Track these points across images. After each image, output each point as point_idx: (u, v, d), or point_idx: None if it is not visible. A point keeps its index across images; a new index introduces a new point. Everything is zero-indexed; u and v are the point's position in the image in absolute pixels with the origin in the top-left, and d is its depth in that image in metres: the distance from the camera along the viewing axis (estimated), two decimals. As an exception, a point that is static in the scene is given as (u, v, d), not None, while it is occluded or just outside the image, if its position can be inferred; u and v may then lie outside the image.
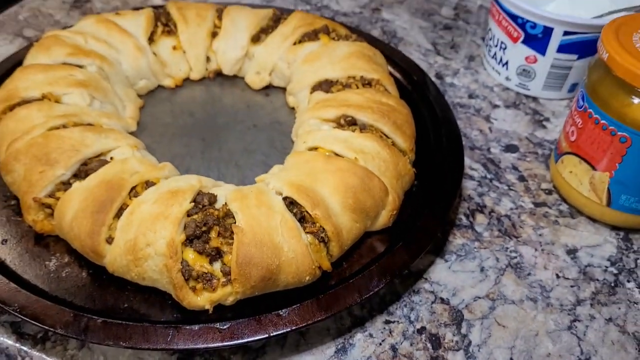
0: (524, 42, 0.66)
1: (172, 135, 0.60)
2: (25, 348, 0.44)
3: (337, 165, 0.48)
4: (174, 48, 0.65)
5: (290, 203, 0.46)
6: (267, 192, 0.46)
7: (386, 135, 0.53)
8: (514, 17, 0.66)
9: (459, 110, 0.68)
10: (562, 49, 0.64)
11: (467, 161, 0.61)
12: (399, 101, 0.56)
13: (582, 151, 0.53)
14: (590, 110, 0.51)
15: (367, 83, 0.58)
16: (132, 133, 0.58)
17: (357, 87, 0.57)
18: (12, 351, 0.44)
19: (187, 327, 0.41)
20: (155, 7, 0.68)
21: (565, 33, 0.63)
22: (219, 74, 0.67)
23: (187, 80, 0.67)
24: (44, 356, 0.44)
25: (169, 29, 0.65)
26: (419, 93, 0.63)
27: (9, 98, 0.54)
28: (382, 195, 0.48)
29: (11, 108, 0.53)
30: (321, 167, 0.48)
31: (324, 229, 0.45)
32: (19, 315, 0.41)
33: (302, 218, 0.45)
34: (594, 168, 0.52)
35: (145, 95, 0.65)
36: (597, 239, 0.54)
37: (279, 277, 0.43)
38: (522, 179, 0.60)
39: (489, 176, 0.60)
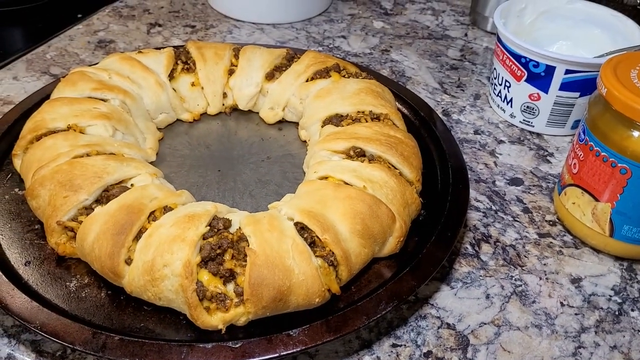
0: (527, 80, 0.69)
1: (189, 166, 0.62)
2: (43, 366, 0.46)
3: (346, 192, 0.50)
4: (193, 84, 0.68)
5: (301, 228, 0.48)
6: (279, 218, 0.48)
7: (394, 166, 0.55)
8: (517, 57, 0.69)
9: (465, 145, 0.70)
10: (564, 86, 0.67)
11: (473, 193, 0.63)
12: (406, 134, 0.59)
13: (585, 183, 0.55)
14: (591, 143, 0.53)
15: (375, 117, 0.61)
16: (151, 163, 0.60)
17: (366, 121, 0.60)
18: (31, 369, 0.46)
19: (201, 346, 0.43)
20: (175, 47, 0.72)
21: (567, 72, 0.66)
22: (234, 109, 0.70)
23: (204, 114, 0.70)
24: (61, 374, 0.45)
25: (188, 66, 0.69)
26: (426, 128, 0.66)
27: (36, 128, 0.57)
28: (389, 222, 0.50)
29: (38, 138, 0.56)
30: (331, 194, 0.50)
31: (333, 253, 0.46)
32: (40, 332, 0.43)
33: (313, 242, 0.47)
34: (596, 199, 0.54)
35: (164, 129, 0.68)
36: (601, 269, 0.55)
37: (290, 299, 0.44)
38: (526, 210, 0.62)
39: (494, 208, 0.62)
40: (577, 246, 0.58)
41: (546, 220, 0.60)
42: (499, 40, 0.71)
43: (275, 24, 0.95)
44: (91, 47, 0.87)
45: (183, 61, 0.69)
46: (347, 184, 0.52)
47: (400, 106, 0.69)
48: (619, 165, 0.51)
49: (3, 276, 0.47)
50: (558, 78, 0.67)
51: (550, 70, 0.66)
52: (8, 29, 0.95)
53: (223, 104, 0.70)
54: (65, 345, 0.43)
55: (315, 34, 0.93)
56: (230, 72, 0.69)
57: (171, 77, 0.68)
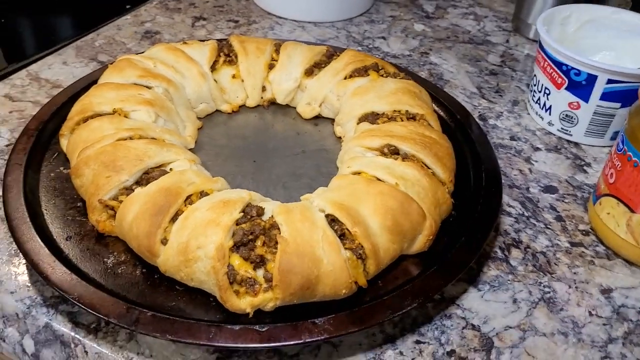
0: (567, 88, 0.68)
1: (226, 155, 0.64)
2: (79, 336, 0.48)
3: (378, 188, 0.51)
4: (234, 77, 0.70)
5: (332, 220, 0.48)
6: (311, 209, 0.49)
7: (427, 166, 0.55)
8: (558, 64, 0.68)
9: (500, 151, 0.70)
10: (605, 96, 0.66)
11: (506, 198, 0.63)
12: (441, 135, 0.59)
13: (621, 193, 0.54)
14: (630, 153, 0.53)
15: (411, 117, 0.61)
16: (190, 150, 0.62)
17: (402, 120, 0.60)
18: (67, 338, 0.48)
19: (229, 327, 0.44)
20: (219, 40, 0.74)
21: (609, 81, 0.65)
22: (272, 102, 0.72)
23: (243, 106, 0.71)
24: (94, 345, 0.47)
25: (230, 59, 0.71)
26: (462, 131, 0.66)
27: (83, 111, 0.59)
28: (419, 220, 0.50)
29: (85, 120, 0.59)
30: (363, 189, 0.51)
31: (362, 246, 0.47)
32: (78, 304, 0.45)
33: (342, 235, 0.48)
34: (632, 210, 0.53)
35: (203, 118, 0.69)
36: (633, 281, 0.55)
37: (317, 288, 0.45)
38: (559, 219, 0.61)
39: (526, 214, 0.61)
40: (609, 257, 0.57)
41: (579, 230, 0.60)
42: (541, 46, 0.71)
43: (317, 22, 0.96)
44: (138, 37, 0.89)
45: (225, 54, 0.71)
46: (379, 180, 0.53)
47: (436, 108, 0.69)
48: (657, 176, 0.50)
49: (45, 249, 0.49)
50: (599, 87, 0.66)
51: (591, 79, 0.66)
52: (60, 17, 0.99)
53: (262, 97, 0.71)
54: (101, 318, 0.45)
55: (355, 34, 0.94)
56: (271, 67, 0.71)
57: (213, 68, 0.69)
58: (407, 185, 0.52)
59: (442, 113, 0.69)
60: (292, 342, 0.43)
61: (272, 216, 0.49)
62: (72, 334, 0.48)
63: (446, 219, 0.56)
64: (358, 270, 0.47)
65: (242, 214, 0.48)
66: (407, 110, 0.62)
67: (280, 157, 0.64)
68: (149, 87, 0.63)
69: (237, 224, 0.47)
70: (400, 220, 0.49)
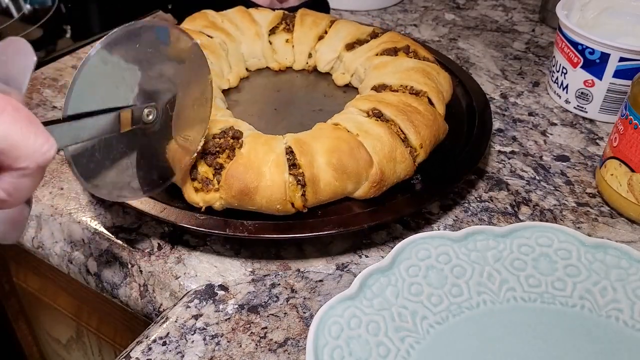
0: (582, 67, 0.73)
1: (255, 100, 0.75)
2: (134, 258, 0.56)
3: (336, 134, 0.58)
4: (287, 41, 0.81)
5: (291, 152, 0.57)
6: (276, 139, 0.58)
7: (402, 130, 0.61)
8: (574, 44, 0.73)
9: (517, 124, 0.75)
10: (617, 74, 0.70)
11: (519, 164, 0.68)
12: (430, 109, 0.64)
13: (622, 154, 0.59)
14: (631, 117, 0.57)
15: (414, 93, 0.67)
16: (227, 90, 0.75)
17: (403, 93, 0.66)
18: (125, 260, 0.56)
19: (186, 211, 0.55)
20: (289, 11, 0.84)
21: (621, 59, 0.69)
22: (314, 68, 0.81)
23: (290, 68, 0.82)
24: (148, 265, 0.55)
25: (289, 27, 0.82)
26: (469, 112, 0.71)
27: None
28: (365, 166, 0.57)
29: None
30: (325, 133, 0.59)
31: (304, 174, 0.55)
32: (144, 211, 0.54)
33: (294, 165, 0.56)
34: (632, 170, 0.58)
35: (254, 70, 0.81)
36: (632, 236, 0.59)
37: (255, 198, 0.54)
38: (568, 183, 0.66)
39: (537, 178, 0.67)
40: (612, 216, 0.62)
41: (586, 192, 0.65)
42: (560, 29, 0.76)
43: (353, 10, 1.03)
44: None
45: (287, 22, 0.82)
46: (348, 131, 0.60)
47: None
48: (654, 136, 0.55)
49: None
50: (612, 65, 0.70)
51: (604, 57, 0.70)
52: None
53: (307, 63, 0.81)
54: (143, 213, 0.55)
55: (389, 21, 1.00)
56: (320, 38, 0.80)
57: (273, 32, 0.81)
58: (367, 138, 0.58)
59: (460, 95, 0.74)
60: (217, 232, 0.53)
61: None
62: (129, 256, 0.56)
63: (410, 181, 0.61)
64: (295, 194, 0.55)
65: (220, 131, 0.58)
66: (412, 87, 0.67)
67: (299, 110, 0.73)
68: (210, 37, 0.76)
69: (213, 138, 0.57)
70: (345, 162, 0.56)
